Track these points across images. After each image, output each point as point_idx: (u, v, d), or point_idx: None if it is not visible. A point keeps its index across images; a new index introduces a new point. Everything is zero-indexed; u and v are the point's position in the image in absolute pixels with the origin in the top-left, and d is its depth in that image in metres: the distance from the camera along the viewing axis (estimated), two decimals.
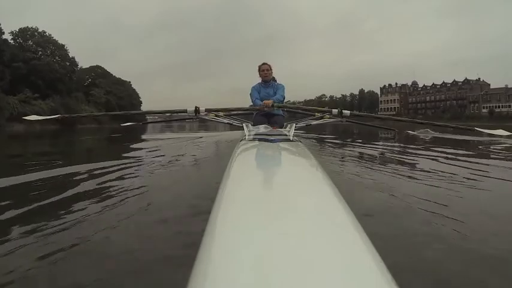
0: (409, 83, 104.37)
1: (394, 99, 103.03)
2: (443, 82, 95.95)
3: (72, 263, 1.58)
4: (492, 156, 6.40)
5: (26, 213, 2.30)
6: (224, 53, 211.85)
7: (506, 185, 3.61)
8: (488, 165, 5.03)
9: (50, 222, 2.07)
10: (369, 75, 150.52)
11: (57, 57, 55.13)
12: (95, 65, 78.95)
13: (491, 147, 7.70)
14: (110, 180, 3.41)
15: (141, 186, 3.15)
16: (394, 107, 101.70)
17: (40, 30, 54.93)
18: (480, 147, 7.91)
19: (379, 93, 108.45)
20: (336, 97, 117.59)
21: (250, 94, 5.66)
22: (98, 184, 3.26)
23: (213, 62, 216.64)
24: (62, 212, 2.31)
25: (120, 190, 2.98)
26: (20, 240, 1.80)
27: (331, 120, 5.61)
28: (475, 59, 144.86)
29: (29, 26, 54.25)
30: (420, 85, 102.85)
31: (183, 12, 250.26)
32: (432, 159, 5.47)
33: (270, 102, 4.75)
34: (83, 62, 79.65)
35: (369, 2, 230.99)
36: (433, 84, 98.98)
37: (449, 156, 5.90)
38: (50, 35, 55.44)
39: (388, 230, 2.02)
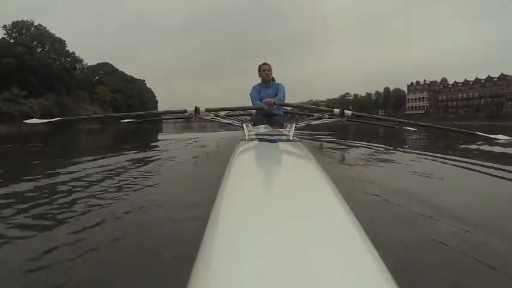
0: (439, 80, 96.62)
1: (423, 97, 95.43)
2: (477, 78, 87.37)
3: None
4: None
5: None
6: (249, 53, 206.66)
7: None
8: None
9: None
10: (395, 74, 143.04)
11: (53, 53, 51.56)
12: (103, 62, 75.53)
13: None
14: None
15: None
16: (423, 106, 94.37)
17: (36, 23, 51.52)
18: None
19: (406, 91, 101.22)
20: (360, 95, 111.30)
21: (250, 94, 5.71)
22: None
23: (237, 61, 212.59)
24: None
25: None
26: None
27: (331, 120, 5.68)
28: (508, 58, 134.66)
29: (24, 20, 50.83)
30: (451, 82, 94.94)
31: (210, 12, 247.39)
32: None
33: (271, 100, 5.03)
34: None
35: (395, 4, 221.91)
36: (465, 80, 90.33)
37: None
38: (45, 28, 51.86)
39: None
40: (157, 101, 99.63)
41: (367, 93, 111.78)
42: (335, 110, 5.00)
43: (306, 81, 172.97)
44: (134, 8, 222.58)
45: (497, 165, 3.82)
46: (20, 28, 50.05)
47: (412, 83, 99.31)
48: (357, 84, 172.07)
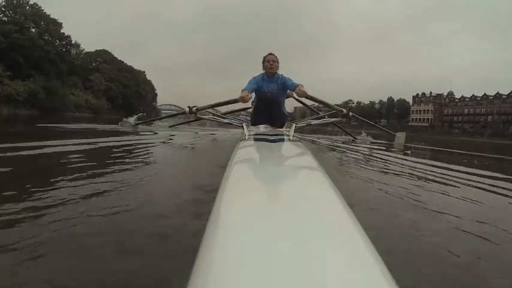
0: (445, 93, 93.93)
1: (428, 110, 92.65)
2: (485, 94, 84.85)
3: None
4: None
5: None
6: (256, 53, 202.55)
7: None
8: None
9: None
10: (401, 86, 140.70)
11: (46, 34, 49.17)
12: (102, 49, 73.28)
13: None
14: None
15: None
16: (427, 118, 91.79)
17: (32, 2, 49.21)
18: None
19: (411, 102, 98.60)
20: (363, 103, 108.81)
21: (248, 82, 4.82)
22: None
23: (242, 61, 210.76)
24: None
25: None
26: None
27: (331, 120, 6.09)
28: None
29: None
30: (458, 96, 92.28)
31: (220, 11, 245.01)
32: None
33: (305, 91, 4.41)
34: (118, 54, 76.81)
35: (405, 17, 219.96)
36: (473, 95, 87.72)
37: None
38: (40, 7, 49.54)
39: None
40: (156, 94, 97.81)
41: (370, 101, 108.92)
42: (344, 109, 5.21)
43: (310, 85, 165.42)
44: (141, 3, 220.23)
45: None
46: (13, 6, 47.66)
47: (417, 94, 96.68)
48: (361, 93, 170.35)
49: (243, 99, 4.25)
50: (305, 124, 5.98)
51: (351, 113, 5.33)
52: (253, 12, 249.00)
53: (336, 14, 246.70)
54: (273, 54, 4.86)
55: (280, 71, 4.92)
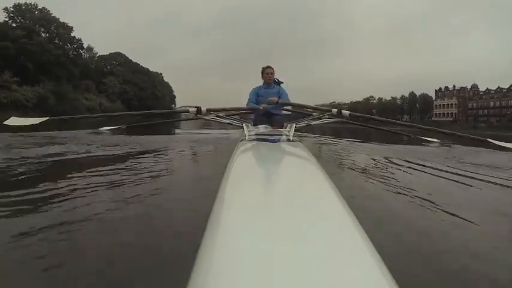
0: (469, 87, 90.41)
1: (452, 104, 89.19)
2: (511, 86, 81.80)
3: None
4: None
5: None
6: (274, 53, 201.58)
7: None
8: None
9: None
10: (422, 80, 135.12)
11: (56, 39, 48.68)
12: (115, 51, 72.91)
13: None
14: None
15: None
16: (451, 113, 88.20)
17: (40, 6, 48.73)
18: None
19: (433, 97, 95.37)
20: (385, 99, 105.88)
21: (249, 94, 5.91)
22: None
23: (260, 61, 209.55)
24: None
25: None
26: None
27: (331, 120, 5.98)
28: None
29: (27, 2, 48.03)
30: (482, 89, 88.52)
31: (238, 11, 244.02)
32: None
33: (275, 99, 5.28)
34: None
35: (424, 9, 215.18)
36: (499, 87, 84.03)
37: None
38: (48, 11, 49.05)
39: None
40: (174, 95, 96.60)
41: (392, 97, 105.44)
42: (333, 110, 5.17)
43: (329, 83, 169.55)
44: (155, 6, 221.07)
45: None
46: (22, 11, 47.28)
47: (440, 88, 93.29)
48: (383, 88, 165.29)
49: (274, 103, 5.29)
50: (305, 124, 6.13)
51: (347, 112, 5.32)
52: (272, 12, 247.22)
53: (353, 9, 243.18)
54: (271, 67, 5.81)
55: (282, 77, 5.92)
